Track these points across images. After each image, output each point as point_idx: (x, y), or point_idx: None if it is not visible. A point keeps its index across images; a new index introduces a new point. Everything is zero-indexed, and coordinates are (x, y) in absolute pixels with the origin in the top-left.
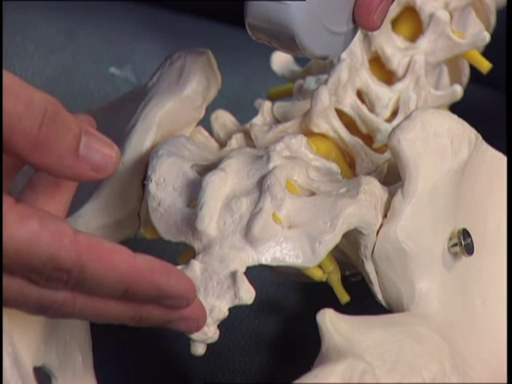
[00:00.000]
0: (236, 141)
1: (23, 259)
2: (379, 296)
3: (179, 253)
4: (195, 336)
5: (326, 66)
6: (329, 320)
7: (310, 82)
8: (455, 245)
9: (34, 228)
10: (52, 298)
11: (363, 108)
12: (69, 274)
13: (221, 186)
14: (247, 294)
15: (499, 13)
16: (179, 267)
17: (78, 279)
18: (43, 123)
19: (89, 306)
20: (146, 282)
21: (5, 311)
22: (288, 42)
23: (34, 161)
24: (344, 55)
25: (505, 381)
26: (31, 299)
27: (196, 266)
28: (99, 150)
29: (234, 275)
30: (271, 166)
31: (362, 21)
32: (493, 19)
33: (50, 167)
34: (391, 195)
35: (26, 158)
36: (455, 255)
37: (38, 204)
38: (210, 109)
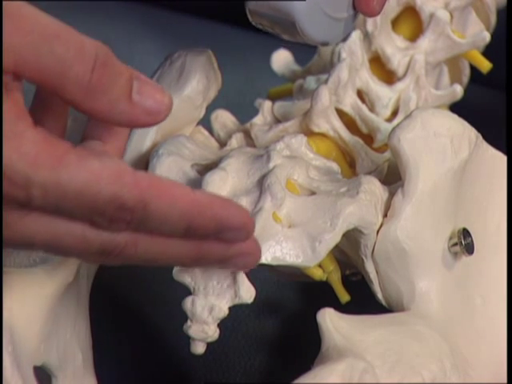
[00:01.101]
0: (236, 140)
1: (86, 200)
2: (379, 295)
3: None
4: (195, 334)
5: (326, 66)
6: (329, 319)
7: (310, 81)
8: (455, 244)
9: (95, 168)
10: (115, 241)
11: (363, 108)
12: (132, 212)
13: (221, 186)
14: (247, 293)
15: (499, 13)
16: (179, 267)
17: (141, 218)
18: (95, 68)
19: (151, 246)
20: (207, 215)
21: (5, 310)
22: (288, 27)
23: (87, 107)
24: (344, 55)
25: (505, 380)
26: (94, 244)
27: None
28: (152, 95)
29: (233, 274)
30: (271, 165)
31: (361, 7)
32: (493, 19)
33: (103, 113)
34: (391, 195)
35: (80, 105)
36: (455, 255)
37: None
38: (210, 108)
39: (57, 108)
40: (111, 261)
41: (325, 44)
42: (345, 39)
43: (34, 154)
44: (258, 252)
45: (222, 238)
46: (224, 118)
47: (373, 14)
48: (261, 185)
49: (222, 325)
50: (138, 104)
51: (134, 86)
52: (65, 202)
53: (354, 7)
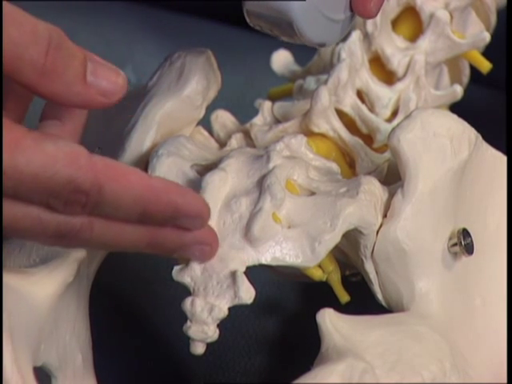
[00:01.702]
0: (236, 141)
1: (41, 183)
2: (379, 296)
3: None
4: (195, 335)
5: (325, 66)
6: (329, 320)
7: (310, 81)
8: (455, 244)
9: (51, 151)
10: (70, 224)
11: (363, 108)
12: (87, 195)
13: (220, 186)
14: (247, 293)
15: (499, 13)
16: (179, 267)
17: (96, 201)
18: (49, 51)
19: (106, 230)
20: (163, 201)
21: (5, 310)
22: (286, 28)
23: (42, 90)
24: (344, 55)
25: (505, 380)
26: (49, 227)
27: (196, 265)
28: (106, 76)
29: (233, 275)
30: (271, 165)
31: (358, 8)
32: (493, 19)
33: (58, 95)
34: (391, 195)
35: (35, 88)
36: (455, 255)
37: (49, 132)
38: (210, 109)
39: (17, 91)
40: (67, 243)
41: (322, 45)
42: (343, 40)
43: None
44: (215, 243)
45: (178, 224)
46: (224, 119)
47: (370, 16)
48: (260, 185)
49: (222, 325)
50: (92, 85)
51: (88, 68)
52: (21, 185)
53: (351, 9)
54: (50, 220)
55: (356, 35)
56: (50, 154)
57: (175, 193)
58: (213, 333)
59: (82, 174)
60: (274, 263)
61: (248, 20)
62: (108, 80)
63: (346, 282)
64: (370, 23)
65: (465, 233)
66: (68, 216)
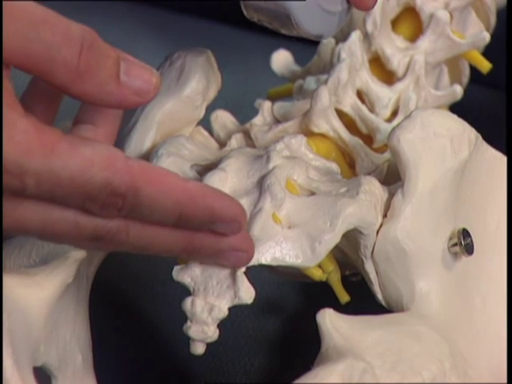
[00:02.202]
0: (236, 141)
1: (78, 187)
2: (379, 296)
3: None
4: (195, 335)
5: (325, 66)
6: (329, 320)
7: (310, 82)
8: (455, 244)
9: (87, 154)
10: (106, 227)
11: (363, 108)
12: (124, 198)
13: (220, 186)
14: (247, 293)
15: (499, 13)
16: (179, 267)
17: (133, 204)
18: (82, 51)
19: (142, 234)
20: (200, 205)
21: (5, 311)
22: (283, 21)
23: (76, 91)
24: (344, 55)
25: (505, 380)
26: (86, 230)
27: (196, 265)
28: (139, 75)
29: (233, 275)
30: (271, 165)
31: (355, 1)
32: (493, 19)
33: (92, 96)
34: (391, 195)
35: (69, 89)
36: (455, 255)
37: (84, 136)
38: (210, 109)
39: (48, 94)
40: (103, 246)
41: (319, 37)
42: (343, 40)
43: (27, 142)
44: (251, 249)
45: (214, 229)
46: (224, 119)
47: (367, 8)
48: (260, 185)
49: (222, 325)
50: (126, 85)
51: (121, 68)
52: (58, 189)
53: (348, 1)
54: (86, 223)
55: (356, 35)
56: (86, 157)
57: (212, 197)
58: (213, 333)
59: (119, 177)
60: (274, 263)
61: (245, 12)
62: (141, 79)
63: (346, 282)
64: (369, 23)
65: (465, 233)
66: (104, 219)
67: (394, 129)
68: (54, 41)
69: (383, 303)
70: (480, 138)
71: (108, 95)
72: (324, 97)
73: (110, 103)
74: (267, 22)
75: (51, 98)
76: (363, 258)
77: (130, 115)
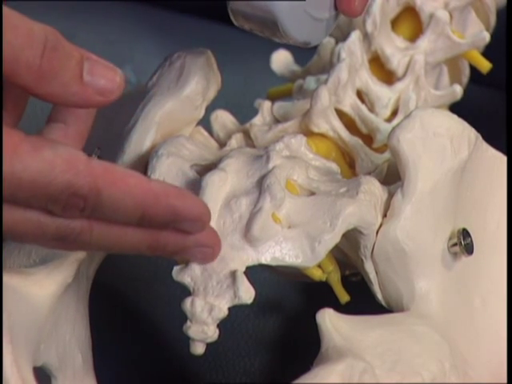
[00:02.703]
0: (236, 141)
1: (40, 189)
2: (379, 296)
3: None
4: (195, 335)
5: (325, 66)
6: (328, 320)
7: (310, 81)
8: (455, 244)
9: (49, 156)
10: (69, 227)
11: (363, 108)
12: (85, 199)
13: (220, 186)
14: (247, 293)
15: (499, 13)
16: (179, 267)
17: (95, 205)
18: (45, 52)
19: (106, 233)
20: (162, 205)
21: (5, 311)
22: (271, 28)
23: (39, 91)
24: (344, 55)
25: (505, 381)
26: (49, 230)
27: (196, 265)
28: (103, 75)
29: (233, 275)
30: (271, 165)
31: (343, 7)
32: (493, 19)
33: (56, 96)
34: (391, 195)
35: (32, 90)
36: (455, 255)
37: (50, 136)
38: (210, 109)
39: (13, 94)
40: (67, 246)
41: (306, 44)
42: (343, 40)
43: None
44: (217, 245)
45: (179, 227)
46: (223, 119)
47: (355, 15)
48: (260, 185)
49: (222, 325)
50: (89, 85)
51: (85, 67)
52: (20, 191)
53: (336, 7)
54: (49, 224)
55: (356, 35)
56: (47, 159)
57: (174, 196)
58: (213, 333)
59: (80, 179)
60: (273, 263)
61: (233, 19)
62: (105, 78)
63: (345, 281)
64: (369, 23)
65: (465, 233)
66: (67, 219)
67: (393, 129)
68: (16, 42)
69: (383, 303)
70: (480, 137)
71: (72, 95)
72: (324, 97)
73: (74, 103)
74: (255, 29)
75: (16, 99)
76: (363, 258)
77: (127, 115)
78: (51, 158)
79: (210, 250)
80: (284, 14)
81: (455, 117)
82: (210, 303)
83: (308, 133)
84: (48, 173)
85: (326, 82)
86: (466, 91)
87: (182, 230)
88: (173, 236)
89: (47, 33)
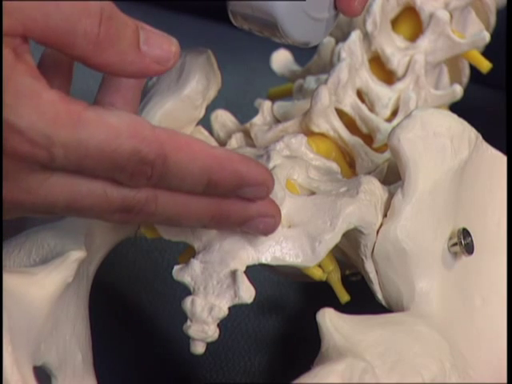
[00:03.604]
0: (236, 140)
1: (106, 156)
2: (379, 295)
3: (179, 252)
4: (195, 334)
5: (325, 66)
6: (329, 319)
7: (310, 81)
8: (455, 244)
9: (114, 123)
10: (135, 198)
11: (363, 107)
12: (152, 166)
13: None
14: (247, 293)
15: (499, 12)
16: (179, 266)
17: (162, 172)
18: (102, 22)
19: (171, 203)
20: (227, 170)
21: (5, 310)
22: (270, 28)
23: (97, 61)
24: (344, 55)
25: (505, 380)
26: (115, 202)
27: (196, 265)
28: (159, 44)
29: (233, 274)
30: (271, 165)
31: (343, 7)
32: (493, 19)
33: (113, 65)
34: (391, 195)
35: (90, 59)
36: (455, 255)
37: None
38: (210, 108)
39: (63, 70)
40: (132, 218)
41: (306, 44)
42: (343, 40)
43: (53, 113)
44: (278, 214)
45: (242, 194)
46: (224, 118)
47: (354, 14)
48: None
49: (222, 324)
50: (146, 53)
51: (140, 37)
52: (86, 159)
53: (336, 7)
54: (115, 195)
55: (356, 35)
56: (113, 126)
57: (239, 161)
58: (213, 332)
59: (147, 145)
60: (274, 263)
61: (233, 20)
62: (161, 48)
63: (346, 281)
64: (369, 23)
65: (465, 232)
66: (133, 190)
67: (394, 128)
68: (73, 12)
69: (383, 303)
70: (480, 137)
71: (129, 64)
72: (324, 96)
73: (131, 72)
74: (254, 29)
75: (64, 73)
76: (363, 258)
77: None
78: (116, 125)
79: (272, 220)
80: (283, 15)
81: (455, 116)
82: (210, 303)
83: (308, 132)
84: (114, 140)
85: (326, 81)
86: (466, 91)
87: (245, 197)
88: (236, 205)
89: (102, 3)
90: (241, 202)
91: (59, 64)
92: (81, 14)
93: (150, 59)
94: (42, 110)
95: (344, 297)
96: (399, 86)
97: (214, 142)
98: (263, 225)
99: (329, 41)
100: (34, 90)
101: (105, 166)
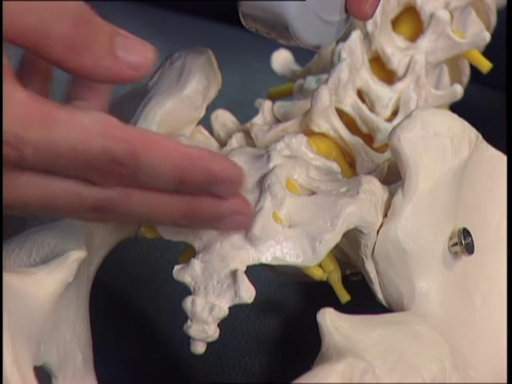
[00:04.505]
0: (236, 140)
1: (79, 156)
2: (379, 295)
3: (180, 252)
4: (195, 334)
5: (326, 66)
6: (329, 319)
7: (311, 81)
8: (455, 244)
9: (85, 123)
10: (107, 197)
11: (363, 107)
12: (124, 165)
13: None
14: (247, 292)
15: (499, 12)
16: (179, 266)
17: (134, 170)
18: (78, 24)
19: (143, 201)
20: (199, 167)
21: (5, 310)
22: (281, 31)
23: (72, 65)
24: (344, 55)
25: (505, 380)
26: (87, 201)
27: (196, 264)
28: (135, 50)
29: (234, 274)
30: (271, 165)
31: (354, 10)
32: (493, 19)
33: (88, 69)
34: (391, 194)
35: (65, 63)
36: (455, 254)
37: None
38: (211, 108)
39: (41, 71)
40: (104, 217)
41: (317, 47)
42: (343, 40)
43: (25, 113)
44: (250, 212)
45: (214, 192)
46: (224, 118)
47: (365, 18)
48: (261, 185)
49: (223, 324)
50: (122, 59)
51: (117, 42)
52: (58, 159)
53: (346, 10)
54: (87, 194)
55: (356, 35)
56: (84, 125)
57: (210, 159)
58: (213, 332)
59: (118, 144)
60: (274, 263)
61: (243, 22)
62: (137, 54)
63: (346, 281)
64: (370, 23)
65: (465, 232)
66: (105, 189)
67: (394, 128)
68: (49, 15)
69: (383, 303)
70: (480, 137)
71: (104, 69)
72: (324, 96)
73: (106, 77)
74: (265, 32)
75: (42, 75)
76: (364, 258)
77: (128, 114)
78: (88, 125)
79: (243, 218)
80: (295, 18)
81: (456, 116)
82: (210, 302)
83: (308, 132)
84: (86, 139)
85: (326, 81)
86: (467, 91)
87: (218, 195)
88: (208, 202)
89: (79, 6)
90: (213, 200)
91: (38, 65)
92: (57, 17)
93: (125, 65)
94: (13, 110)
95: (344, 297)
96: (399, 85)
97: (214, 142)
98: (235, 222)
99: None
100: (7, 90)
101: (77, 165)
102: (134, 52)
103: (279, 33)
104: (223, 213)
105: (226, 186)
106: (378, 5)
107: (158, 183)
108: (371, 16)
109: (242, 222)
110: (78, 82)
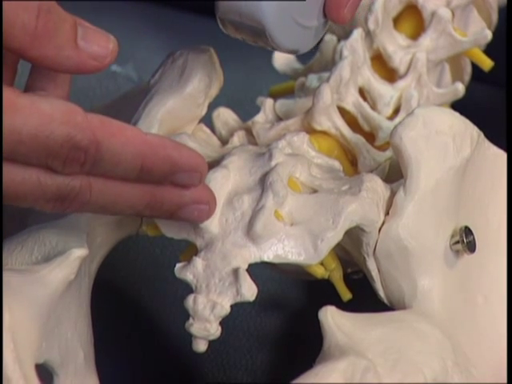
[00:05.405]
0: (238, 138)
1: (40, 143)
2: (381, 293)
3: (181, 250)
4: (197, 332)
5: (327, 64)
6: (331, 317)
7: (312, 79)
8: (457, 242)
9: (47, 110)
10: (69, 186)
11: (365, 106)
12: (85, 152)
13: (223, 184)
14: (249, 290)
15: (501, 10)
16: (181, 264)
17: (95, 158)
18: (40, 14)
19: (105, 190)
20: (160, 156)
21: (6, 308)
22: (259, 36)
23: (34, 54)
24: (346, 53)
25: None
26: (49, 189)
27: (198, 262)
28: (96, 41)
29: (236, 272)
30: (273, 163)
31: (332, 15)
32: (495, 17)
33: (50, 59)
34: (393, 193)
35: (26, 52)
36: (457, 253)
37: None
38: (212, 106)
39: (6, 61)
40: (66, 207)
41: (294, 52)
42: (344, 39)
43: None
44: (213, 201)
45: (176, 181)
46: (226, 116)
47: (344, 22)
48: (263, 183)
49: (224, 322)
50: (83, 49)
51: (78, 32)
52: (19, 146)
53: (325, 15)
54: (49, 182)
55: (358, 33)
56: (46, 112)
57: (172, 148)
58: (215, 330)
59: (80, 131)
60: (276, 261)
61: (222, 28)
62: (98, 44)
63: (348, 279)
64: (371, 21)
65: (467, 230)
66: (67, 177)
67: (396, 126)
68: (12, 5)
69: (385, 301)
70: (482, 135)
71: (66, 59)
72: (326, 94)
73: (67, 67)
74: (243, 37)
75: (8, 65)
76: (365, 256)
77: (130, 112)
78: (49, 112)
79: (206, 207)
80: (272, 23)
81: (457, 115)
82: (212, 300)
83: (310, 130)
84: (47, 126)
85: (328, 79)
86: (468, 89)
87: (180, 184)
88: (170, 192)
89: None
90: (175, 189)
91: (4, 55)
92: (19, 7)
93: (86, 55)
94: None
95: (346, 295)
96: (401, 84)
97: (216, 140)
98: (198, 212)
99: (331, 39)
100: None
101: (38, 152)
102: (95, 42)
103: (257, 38)
104: (185, 202)
105: (187, 174)
106: (356, 9)
107: (119, 171)
108: (350, 20)
109: (205, 211)
110: (37, 72)
